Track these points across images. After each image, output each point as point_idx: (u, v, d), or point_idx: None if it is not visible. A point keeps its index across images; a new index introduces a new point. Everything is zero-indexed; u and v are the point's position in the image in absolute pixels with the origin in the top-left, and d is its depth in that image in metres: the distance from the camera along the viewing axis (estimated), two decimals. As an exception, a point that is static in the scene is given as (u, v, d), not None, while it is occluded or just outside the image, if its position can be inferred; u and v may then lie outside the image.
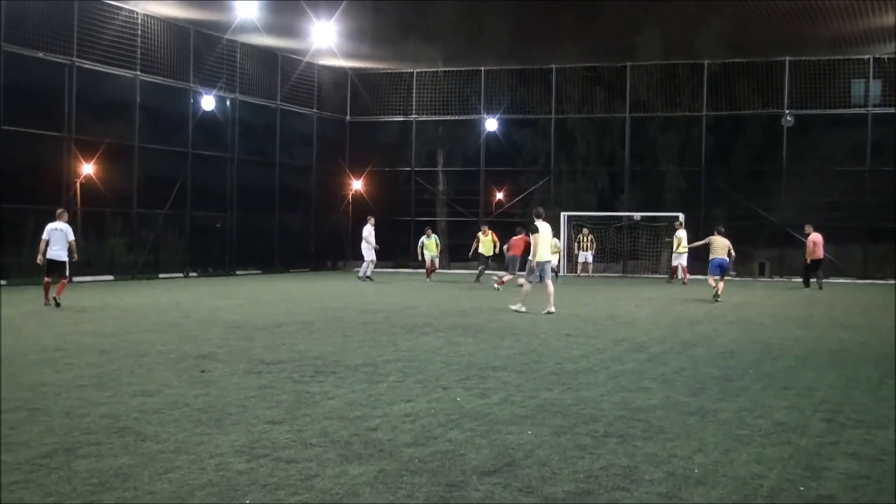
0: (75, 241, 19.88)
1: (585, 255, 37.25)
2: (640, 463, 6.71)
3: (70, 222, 20.38)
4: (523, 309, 19.46)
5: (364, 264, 31.56)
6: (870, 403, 9.30)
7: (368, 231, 31.78)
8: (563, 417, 8.30)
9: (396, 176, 41.49)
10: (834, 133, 36.86)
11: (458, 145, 41.88)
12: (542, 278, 19.50)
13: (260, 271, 35.37)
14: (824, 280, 29.26)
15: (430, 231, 33.55)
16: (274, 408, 8.59)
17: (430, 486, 6.05)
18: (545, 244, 19.48)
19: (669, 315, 19.24)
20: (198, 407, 8.59)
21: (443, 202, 41.20)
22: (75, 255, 19.97)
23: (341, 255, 41.14)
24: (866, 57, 34.71)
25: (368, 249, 31.63)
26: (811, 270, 29.02)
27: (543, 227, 19.58)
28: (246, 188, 35.31)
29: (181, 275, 31.72)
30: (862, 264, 34.32)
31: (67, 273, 20.33)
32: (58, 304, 18.94)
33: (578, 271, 37.02)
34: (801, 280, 30.12)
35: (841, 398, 9.55)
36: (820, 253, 29.00)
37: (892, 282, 28.31)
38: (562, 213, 37.20)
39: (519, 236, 26.92)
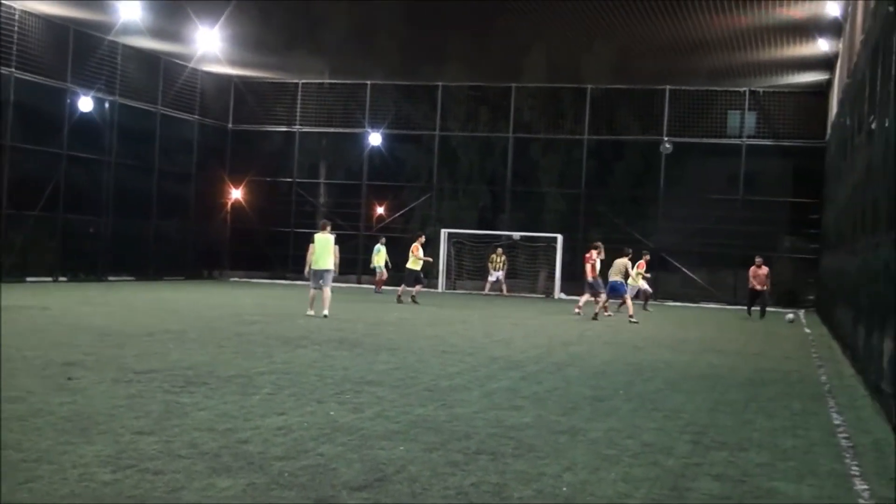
0: None
1: (497, 275, 36.92)
2: (510, 480, 6.78)
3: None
4: (311, 313, 21.10)
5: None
6: (734, 426, 9.58)
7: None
8: (436, 434, 8.34)
9: (277, 186, 41.11)
10: (709, 161, 37.85)
11: (341, 158, 41.71)
12: (321, 285, 21.42)
13: (133, 278, 34.62)
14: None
15: (383, 240, 33.99)
16: (142, 418, 8.43)
17: (300, 501, 6.01)
18: (322, 253, 21.44)
19: (545, 335, 19.50)
20: (63, 415, 8.37)
21: (323, 214, 40.97)
22: None
23: (218, 264, 40.59)
24: (742, 90, 35.83)
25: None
26: (753, 299, 28.64)
27: (323, 237, 21.58)
28: (122, 193, 34.49)
29: (50, 279, 30.85)
30: (733, 290, 35.29)
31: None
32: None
33: (486, 290, 36.81)
34: (671, 304, 30.82)
35: (707, 420, 9.81)
36: (759, 283, 28.30)
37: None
38: (442, 230, 37.36)
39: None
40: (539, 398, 10.73)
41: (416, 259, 29.05)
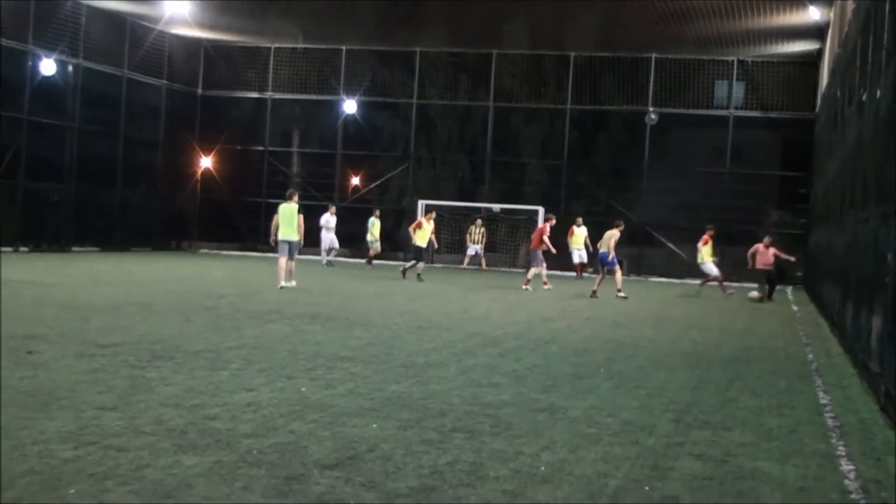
0: None
1: (476, 248, 36.31)
2: (486, 459, 6.80)
3: None
4: (284, 284, 21.45)
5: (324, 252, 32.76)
6: (717, 405, 9.63)
7: (326, 219, 32.76)
8: (411, 411, 8.35)
9: (249, 155, 40.92)
10: (696, 133, 37.97)
11: (315, 126, 41.59)
12: (290, 255, 21.65)
13: (98, 248, 34.44)
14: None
15: (377, 212, 34.16)
16: (106, 393, 8.40)
17: (269, 479, 6.01)
18: (286, 222, 21.61)
19: (524, 310, 19.53)
20: (23, 390, 8.33)
21: (296, 184, 40.81)
22: None
23: (186, 234, 40.44)
24: (731, 59, 35.84)
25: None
26: (771, 281, 26.48)
27: (288, 207, 21.71)
28: (86, 160, 34.24)
29: (10, 249, 30.64)
30: (718, 266, 35.31)
31: None
32: None
33: (465, 264, 36.60)
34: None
35: (690, 399, 9.86)
36: (767, 263, 26.13)
37: (747, 284, 29.18)
38: (419, 202, 37.21)
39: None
40: (518, 375, 10.75)
41: (423, 235, 28.27)
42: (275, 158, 40.65)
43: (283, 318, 15.48)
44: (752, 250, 26.43)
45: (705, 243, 27.47)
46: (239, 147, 40.76)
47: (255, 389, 8.99)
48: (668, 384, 10.76)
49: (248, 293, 20.02)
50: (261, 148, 40.74)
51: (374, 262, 34.19)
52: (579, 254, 32.62)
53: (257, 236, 38.91)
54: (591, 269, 33.10)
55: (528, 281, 25.72)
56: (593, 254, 30.92)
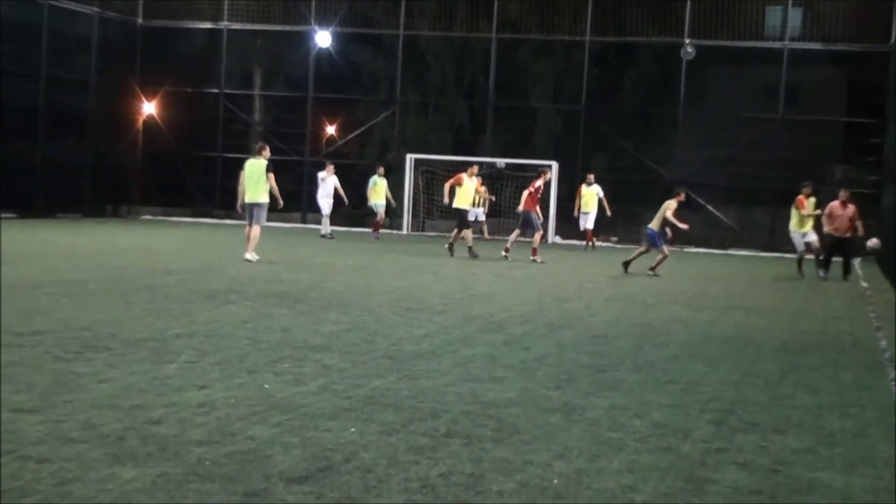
0: None
1: (477, 212, 35.21)
2: (487, 470, 6.81)
3: None
4: (249, 257, 21.69)
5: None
6: (766, 403, 9.65)
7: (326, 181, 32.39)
8: (396, 412, 8.37)
9: (201, 99, 40.83)
10: (742, 71, 37.89)
11: (281, 63, 41.50)
12: (253, 220, 21.91)
13: (15, 215, 34.32)
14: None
15: (381, 170, 33.46)
16: (24, 392, 8.40)
17: (224, 496, 6.02)
18: (253, 182, 21.81)
19: (534, 288, 19.56)
20: (-78, 389, 8.35)
21: (259, 135, 40.73)
22: None
23: (125, 197, 40.36)
24: (785, -20, 35.80)
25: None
26: (833, 250, 25.04)
27: (255, 164, 21.98)
28: (-1, 107, 34.16)
29: None
30: (769, 233, 35.42)
31: None
32: None
33: None
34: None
35: (733, 396, 9.88)
36: (841, 227, 24.82)
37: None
38: (407, 156, 37.13)
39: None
40: (526, 368, 10.77)
41: (465, 195, 27.06)
42: (232, 103, 40.54)
43: (243, 298, 15.48)
44: (826, 210, 25.09)
45: (802, 205, 25.25)
46: (189, 90, 40.66)
47: (209, 386, 8.99)
48: (707, 378, 10.78)
49: (200, 269, 20.02)
50: (215, 90, 40.66)
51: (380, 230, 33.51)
52: (587, 217, 32.28)
53: (212, 199, 38.93)
54: (602, 237, 33.10)
55: (536, 251, 25.73)
56: (612, 221, 30.94)
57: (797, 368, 11.74)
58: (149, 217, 39.44)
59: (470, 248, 26.37)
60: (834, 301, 20.14)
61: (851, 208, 25.04)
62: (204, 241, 27.96)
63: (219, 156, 39.56)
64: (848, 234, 25.03)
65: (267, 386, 9.16)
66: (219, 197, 38.47)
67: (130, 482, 6.17)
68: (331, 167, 32.64)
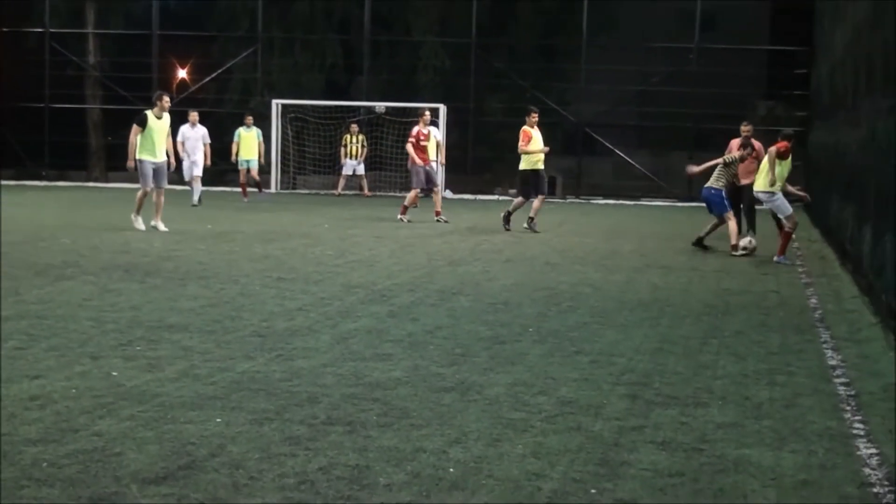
0: None
1: (354, 165, 35.80)
2: (373, 461, 6.85)
3: None
4: (140, 226, 21.91)
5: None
6: (686, 373, 9.80)
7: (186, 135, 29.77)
8: (269, 398, 8.37)
9: (21, 39, 40.04)
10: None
11: (119, -5, 40.97)
12: (158, 184, 22.26)
13: None
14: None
15: (250, 119, 32.20)
16: None
17: (67, 501, 6.00)
18: (158, 138, 22.10)
19: (423, 251, 19.61)
20: None
21: (95, 81, 40.12)
22: None
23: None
24: None
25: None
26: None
27: (160, 119, 22.18)
28: None
29: None
30: (686, 181, 35.68)
31: None
32: None
33: (340, 188, 36.09)
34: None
35: (650, 366, 10.02)
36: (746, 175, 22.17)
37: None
38: (273, 102, 36.90)
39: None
40: (415, 342, 10.83)
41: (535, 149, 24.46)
42: (61, 44, 39.80)
43: (82, 272, 15.32)
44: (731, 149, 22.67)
45: (780, 156, 20.15)
46: (5, 28, 39.78)
47: (44, 376, 8.91)
48: (621, 347, 10.91)
49: (29, 239, 19.71)
50: (39, 29, 39.87)
51: (250, 189, 32.27)
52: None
53: (40, 158, 38.22)
54: (499, 191, 33.10)
55: (438, 214, 25.78)
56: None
57: (719, 333, 11.93)
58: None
59: (531, 218, 24.10)
60: (756, 256, 20.24)
61: (756, 145, 22.68)
62: (32, 208, 27.55)
63: (45, 106, 38.73)
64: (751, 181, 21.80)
65: (115, 373, 9.09)
66: (48, 155, 37.78)
67: (-44, 490, 6.13)
68: (194, 115, 30.21)
